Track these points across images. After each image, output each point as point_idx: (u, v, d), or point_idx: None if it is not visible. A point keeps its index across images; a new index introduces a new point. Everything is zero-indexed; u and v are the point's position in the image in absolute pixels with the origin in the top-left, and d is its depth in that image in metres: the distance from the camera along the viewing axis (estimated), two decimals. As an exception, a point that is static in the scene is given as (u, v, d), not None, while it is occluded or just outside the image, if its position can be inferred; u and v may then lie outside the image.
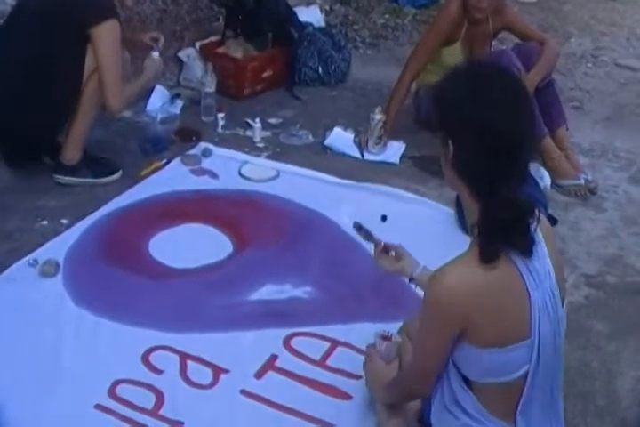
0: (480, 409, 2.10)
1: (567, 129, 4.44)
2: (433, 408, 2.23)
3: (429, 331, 2.05)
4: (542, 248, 2.00)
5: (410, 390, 2.31)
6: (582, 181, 4.15)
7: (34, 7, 3.63)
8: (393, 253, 2.60)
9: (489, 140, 1.88)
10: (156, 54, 4.01)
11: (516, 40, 4.66)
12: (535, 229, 1.95)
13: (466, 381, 2.12)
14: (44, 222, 3.60)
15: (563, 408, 2.23)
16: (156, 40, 4.14)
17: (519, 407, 2.08)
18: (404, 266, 2.59)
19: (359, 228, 2.73)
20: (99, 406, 2.64)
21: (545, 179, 4.05)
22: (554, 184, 4.12)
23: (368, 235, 2.70)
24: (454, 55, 4.42)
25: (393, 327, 2.77)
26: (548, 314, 1.99)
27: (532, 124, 2.01)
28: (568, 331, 3.00)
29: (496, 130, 1.87)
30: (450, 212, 3.75)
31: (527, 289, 1.94)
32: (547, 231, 2.06)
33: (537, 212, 1.95)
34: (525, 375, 2.03)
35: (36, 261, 3.29)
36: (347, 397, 2.73)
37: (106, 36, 3.61)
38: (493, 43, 4.71)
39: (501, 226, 1.89)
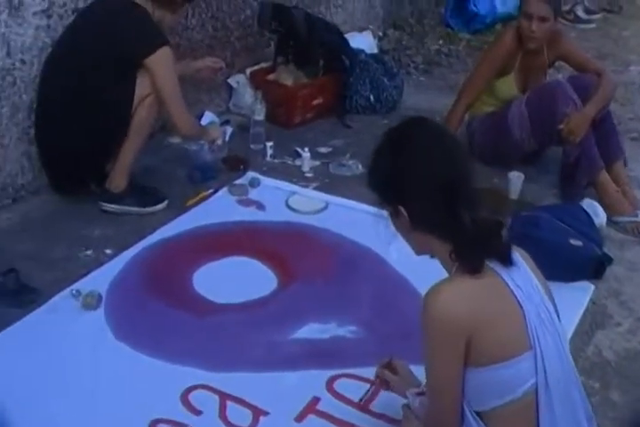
0: None
1: (626, 165, 4.32)
2: None
3: (438, 355, 2.03)
4: (522, 264, 2.08)
5: None
6: (640, 218, 4.03)
7: (83, 42, 3.64)
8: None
9: (432, 188, 2.03)
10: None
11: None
12: (509, 243, 2.08)
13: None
14: (88, 252, 3.57)
15: None
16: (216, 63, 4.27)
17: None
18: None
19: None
20: (136, 448, 2.59)
21: (600, 215, 3.93)
22: (609, 221, 3.99)
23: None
24: (508, 86, 4.36)
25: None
26: (546, 327, 2.03)
27: (459, 158, 2.12)
28: (624, 381, 2.93)
29: (433, 177, 2.03)
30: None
31: (517, 299, 2.00)
32: (521, 252, 2.14)
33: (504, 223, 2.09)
34: (535, 391, 2.01)
35: (78, 292, 3.25)
36: (389, 444, 2.64)
37: (161, 63, 3.64)
38: (549, 71, 4.62)
39: (474, 242, 2.00)
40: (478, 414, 2.08)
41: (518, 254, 2.09)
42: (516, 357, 1.98)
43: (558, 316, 2.10)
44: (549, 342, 2.02)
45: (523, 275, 2.06)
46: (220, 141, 4.28)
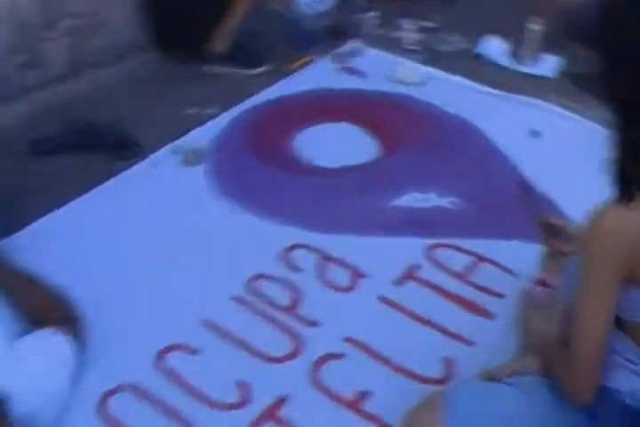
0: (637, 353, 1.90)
1: None
2: None
3: (595, 286, 1.80)
4: None
5: (574, 376, 1.86)
6: None
7: None
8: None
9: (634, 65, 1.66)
10: None
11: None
12: None
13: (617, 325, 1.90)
14: (191, 111, 3.57)
15: None
16: None
17: None
18: None
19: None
20: (235, 298, 2.63)
21: None
22: None
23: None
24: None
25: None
26: None
27: None
28: None
29: None
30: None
31: None
32: None
33: None
34: None
35: (180, 148, 3.27)
36: (489, 315, 2.61)
37: None
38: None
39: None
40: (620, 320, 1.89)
41: None
42: None
43: None
44: None
45: None
46: None
